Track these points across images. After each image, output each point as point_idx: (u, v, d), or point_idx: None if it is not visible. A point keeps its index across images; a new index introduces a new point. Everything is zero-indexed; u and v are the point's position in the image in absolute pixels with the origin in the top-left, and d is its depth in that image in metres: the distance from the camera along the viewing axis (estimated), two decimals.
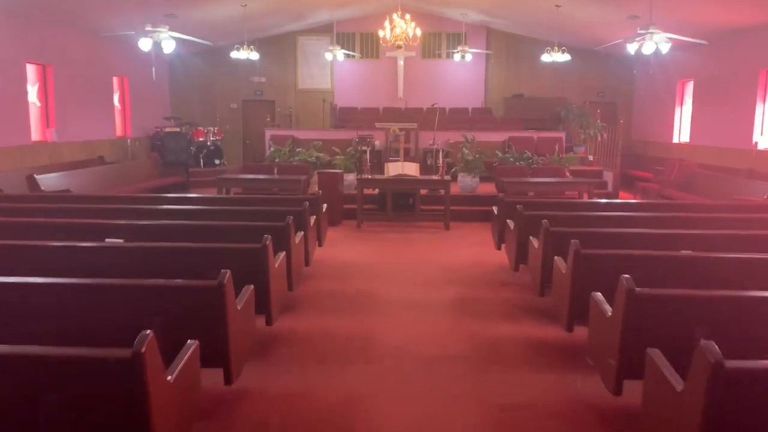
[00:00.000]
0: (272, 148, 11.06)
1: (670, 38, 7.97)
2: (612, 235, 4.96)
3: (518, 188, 9.12)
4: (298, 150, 10.91)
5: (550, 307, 5.19)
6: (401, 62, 16.64)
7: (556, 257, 4.62)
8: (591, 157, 13.71)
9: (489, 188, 10.81)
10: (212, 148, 15.37)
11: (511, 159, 10.50)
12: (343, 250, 7.88)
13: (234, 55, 13.07)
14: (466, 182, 10.50)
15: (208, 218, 5.57)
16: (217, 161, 15.45)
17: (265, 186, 9.50)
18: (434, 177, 9.44)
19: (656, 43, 7.83)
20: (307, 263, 6.02)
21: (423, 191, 9.74)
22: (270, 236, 4.20)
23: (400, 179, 9.27)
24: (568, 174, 10.18)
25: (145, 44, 8.19)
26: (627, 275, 3.19)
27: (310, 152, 10.64)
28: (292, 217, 5.09)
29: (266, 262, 4.11)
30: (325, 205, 7.34)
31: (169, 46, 8.36)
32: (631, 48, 8.35)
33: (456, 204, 9.84)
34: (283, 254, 4.75)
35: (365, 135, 12.13)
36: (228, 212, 6.02)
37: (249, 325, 3.79)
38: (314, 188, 9.76)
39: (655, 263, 4.08)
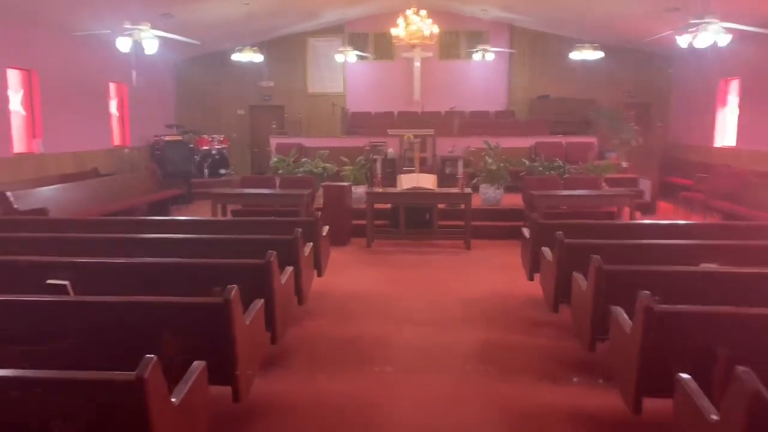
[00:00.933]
0: (275, 159, 10.11)
1: (729, 29, 6.82)
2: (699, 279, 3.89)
3: (549, 202, 8.03)
4: (303, 160, 9.93)
5: (601, 361, 4.11)
6: (417, 63, 15.60)
7: (613, 307, 3.54)
8: (625, 164, 12.52)
9: (514, 200, 9.72)
10: (217, 157, 14.50)
11: (540, 168, 9.40)
12: (347, 278, 6.85)
13: (236, 57, 12.13)
14: (488, 194, 9.42)
15: (173, 253, 4.57)
16: (222, 171, 14.57)
17: (264, 202, 8.52)
18: (453, 190, 8.38)
19: (712, 34, 6.68)
20: (300, 302, 5.01)
21: (441, 205, 8.69)
22: (237, 286, 3.20)
23: (415, 193, 8.24)
24: (604, 184, 9.05)
25: (123, 44, 7.28)
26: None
27: (315, 162, 9.66)
28: (275, 252, 4.08)
29: (230, 323, 3.11)
30: (326, 228, 6.33)
31: (151, 47, 7.43)
32: (682, 41, 7.20)
33: (478, 219, 8.77)
34: (260, 303, 3.74)
35: (377, 143, 11.11)
36: (199, 244, 5.03)
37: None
38: (320, 202, 8.77)
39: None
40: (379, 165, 8.54)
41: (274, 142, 12.20)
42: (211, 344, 3.10)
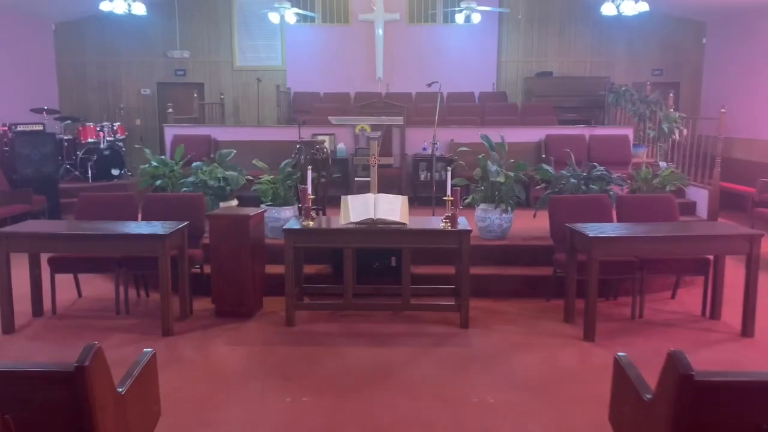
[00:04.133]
0: (148, 164, 6.30)
1: None
2: None
3: (609, 249, 4.45)
4: (196, 165, 6.17)
5: None
6: (380, 30, 11.92)
7: None
8: (664, 164, 9.07)
9: (524, 224, 6.20)
10: (107, 153, 10.57)
11: (573, 180, 5.82)
12: (224, 427, 3.22)
13: (106, 7, 8.19)
14: (492, 222, 5.85)
15: None
16: (115, 172, 10.67)
17: (91, 248, 4.67)
18: (440, 224, 4.74)
19: None
20: None
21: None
22: None
23: (372, 231, 4.61)
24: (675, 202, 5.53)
25: None
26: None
27: (213, 170, 5.90)
28: None
29: None
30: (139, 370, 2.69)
31: None
32: None
33: (476, 261, 5.20)
34: None
35: (319, 136, 7.45)
36: None
37: None
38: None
39: None
40: (309, 177, 4.87)
41: (170, 133, 8.37)
42: None
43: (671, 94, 9.75)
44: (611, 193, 5.74)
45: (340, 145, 8.25)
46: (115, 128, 10.98)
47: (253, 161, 6.07)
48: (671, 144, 9.41)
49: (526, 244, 5.85)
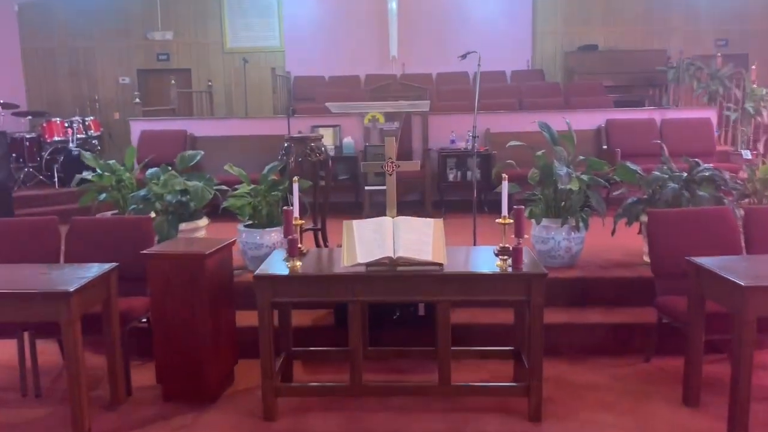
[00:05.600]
0: (91, 173, 4.76)
1: None
2: None
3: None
4: (152, 172, 4.57)
5: None
6: (393, 2, 10.21)
7: None
8: (747, 152, 7.31)
9: (597, 241, 4.52)
10: (76, 153, 9.04)
11: (671, 183, 4.11)
12: None
13: None
14: (557, 244, 4.18)
15: None
16: (87, 174, 9.13)
17: None
18: (495, 262, 3.09)
19: None
20: None
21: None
22: None
23: (391, 277, 2.96)
24: None
25: None
26: None
27: (169, 180, 4.27)
28: None
29: None
30: None
31: None
32: None
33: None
34: None
35: (321, 128, 5.82)
36: None
37: None
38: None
39: None
40: (296, 192, 3.24)
41: (137, 128, 6.77)
42: None
43: (753, 67, 7.95)
44: (730, 204, 4.03)
45: (347, 140, 6.61)
46: (87, 123, 9.45)
47: (225, 167, 4.43)
48: (754, 127, 7.65)
49: (608, 276, 4.17)
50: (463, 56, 4.90)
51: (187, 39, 10.39)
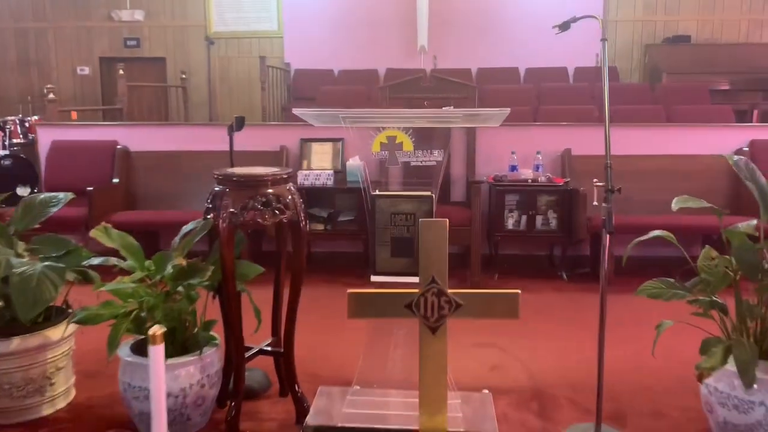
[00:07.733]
0: None
1: None
2: None
3: None
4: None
5: None
6: None
7: None
8: None
9: None
10: (8, 163, 7.01)
11: None
12: None
13: None
14: (756, 412, 1.88)
15: None
16: (22, 191, 7.07)
17: None
18: None
19: None
20: None
21: None
22: None
23: None
24: None
25: None
26: None
27: None
28: None
29: None
30: None
31: None
32: None
33: None
34: None
35: (314, 143, 3.62)
36: None
37: None
38: None
39: None
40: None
41: (46, 138, 4.59)
42: None
43: None
44: None
45: (353, 161, 4.37)
46: (28, 125, 7.41)
47: (93, 232, 2.22)
48: None
49: None
50: (563, 26, 2.65)
51: (162, 20, 8.29)
